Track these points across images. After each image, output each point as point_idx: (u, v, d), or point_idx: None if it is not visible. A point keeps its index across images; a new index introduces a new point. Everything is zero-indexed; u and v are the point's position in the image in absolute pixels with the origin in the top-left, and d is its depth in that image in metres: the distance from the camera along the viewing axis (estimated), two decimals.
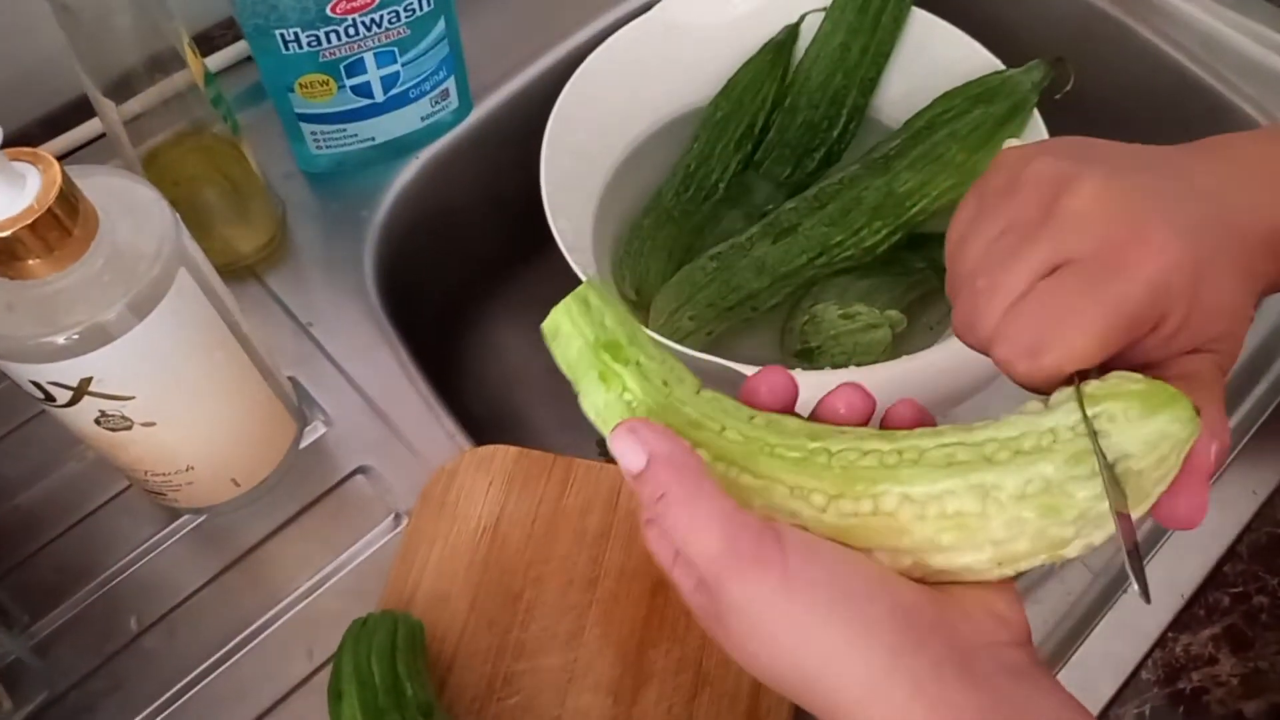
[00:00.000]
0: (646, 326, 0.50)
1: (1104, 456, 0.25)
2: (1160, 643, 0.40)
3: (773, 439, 0.28)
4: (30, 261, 0.31)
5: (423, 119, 0.54)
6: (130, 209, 0.34)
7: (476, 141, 0.58)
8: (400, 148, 0.55)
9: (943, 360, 0.45)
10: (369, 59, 0.49)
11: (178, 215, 0.35)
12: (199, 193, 0.50)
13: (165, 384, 0.36)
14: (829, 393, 0.30)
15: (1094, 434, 0.25)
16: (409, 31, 0.49)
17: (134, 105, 0.45)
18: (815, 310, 0.54)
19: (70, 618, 0.42)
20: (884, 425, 0.30)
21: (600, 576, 0.42)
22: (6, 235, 0.30)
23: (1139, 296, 0.26)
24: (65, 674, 0.40)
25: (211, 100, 0.46)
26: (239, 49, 0.58)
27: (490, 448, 0.46)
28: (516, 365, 0.65)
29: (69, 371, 0.33)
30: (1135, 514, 0.26)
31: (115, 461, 0.39)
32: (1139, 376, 0.26)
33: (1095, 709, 0.39)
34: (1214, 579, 0.41)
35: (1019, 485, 0.25)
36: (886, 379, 0.45)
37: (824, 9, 0.59)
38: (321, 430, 0.47)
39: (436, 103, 0.54)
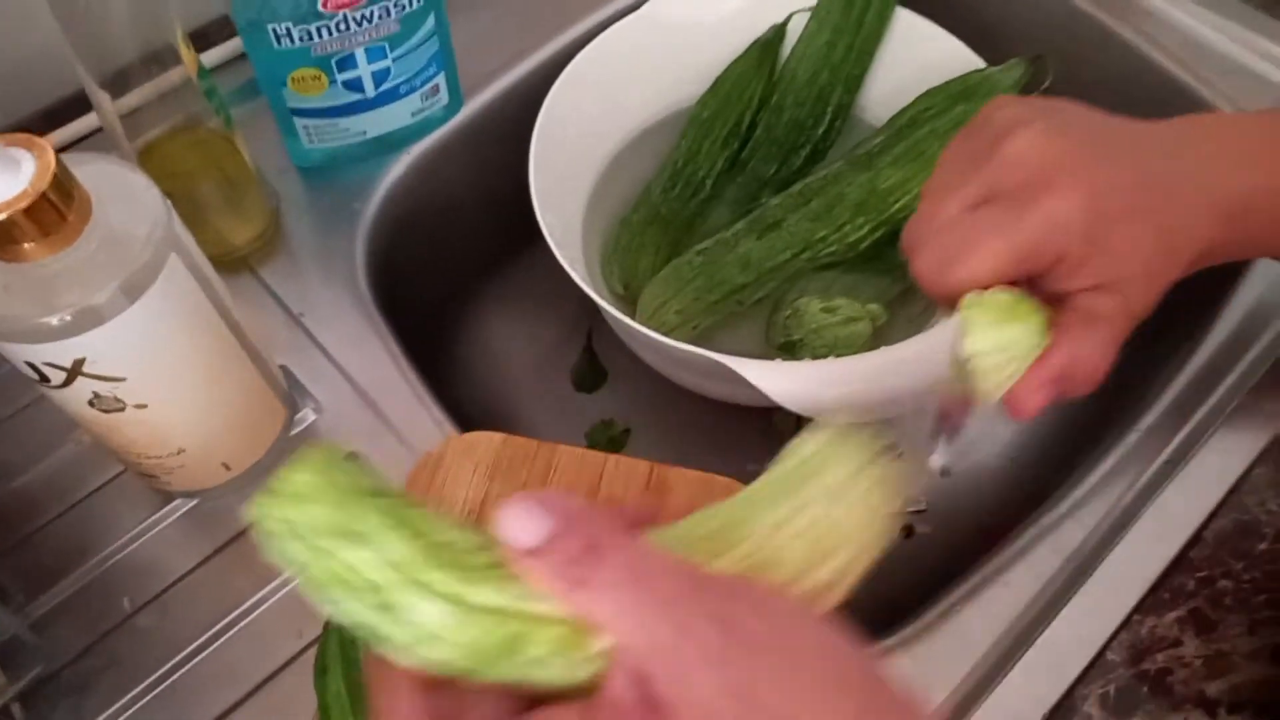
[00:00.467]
0: (634, 320, 0.51)
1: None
2: (1126, 624, 0.41)
3: None
4: (25, 244, 0.32)
5: (413, 114, 0.56)
6: (123, 195, 0.35)
7: (467, 137, 0.59)
8: (391, 142, 0.56)
9: (921, 351, 0.46)
10: (360, 54, 0.50)
11: (169, 202, 0.36)
12: (194, 186, 0.51)
13: (157, 366, 0.37)
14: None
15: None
16: (399, 27, 0.50)
17: (130, 99, 0.46)
18: (798, 304, 0.55)
19: (65, 597, 0.43)
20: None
21: None
22: (2, 218, 0.31)
23: (1034, 230, 0.30)
24: (60, 652, 0.41)
25: (205, 94, 0.47)
26: (234, 45, 0.59)
27: (475, 434, 0.46)
28: (504, 356, 0.66)
29: (63, 352, 0.34)
30: (982, 402, 0.30)
31: (109, 444, 0.40)
32: (1013, 292, 0.30)
33: (1061, 687, 0.40)
34: (1180, 563, 0.42)
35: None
36: (865, 370, 0.46)
37: (810, 8, 0.60)
38: (312, 418, 0.48)
39: (427, 98, 0.55)
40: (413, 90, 0.54)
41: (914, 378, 0.46)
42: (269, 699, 0.41)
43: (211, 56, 0.58)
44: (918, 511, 0.59)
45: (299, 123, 0.53)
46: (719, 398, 0.58)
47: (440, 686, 0.24)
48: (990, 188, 0.31)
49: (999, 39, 0.58)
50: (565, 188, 0.57)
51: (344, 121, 0.53)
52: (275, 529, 0.24)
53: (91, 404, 0.37)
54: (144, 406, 0.38)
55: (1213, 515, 0.43)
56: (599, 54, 0.57)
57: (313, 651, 0.41)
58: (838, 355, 0.53)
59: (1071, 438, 0.59)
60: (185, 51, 0.45)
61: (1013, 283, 0.31)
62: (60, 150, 0.32)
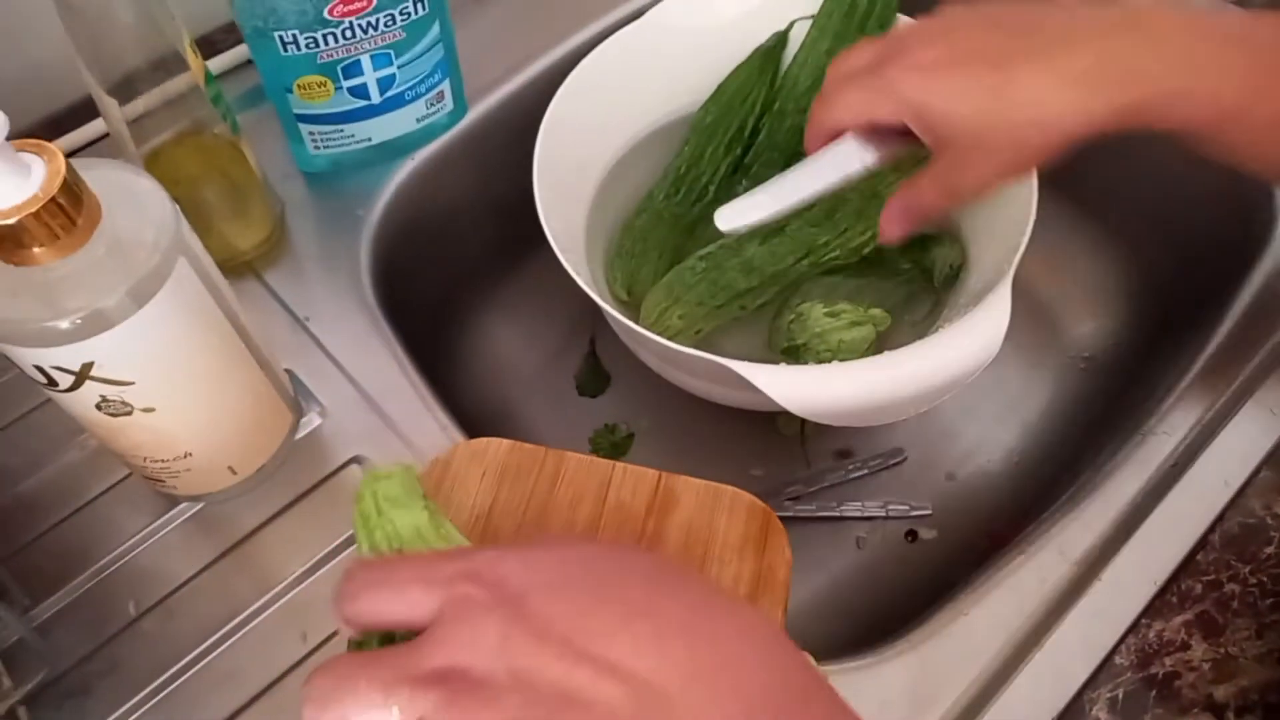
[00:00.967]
0: (637, 324, 0.51)
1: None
2: (1134, 628, 0.41)
3: None
4: (35, 249, 0.32)
5: (418, 120, 0.56)
6: (131, 200, 0.35)
7: (471, 143, 0.60)
8: (396, 149, 0.57)
9: (924, 356, 0.46)
10: (366, 61, 0.50)
11: (177, 207, 0.36)
12: (199, 191, 0.51)
13: (164, 370, 0.37)
14: None
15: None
16: (405, 34, 0.50)
17: (137, 105, 0.46)
18: (801, 308, 0.55)
19: (70, 601, 0.43)
20: None
21: None
22: (12, 223, 0.31)
23: (893, 90, 0.39)
24: (64, 655, 0.41)
25: (212, 100, 0.47)
26: (240, 52, 0.59)
27: (484, 440, 0.46)
28: (508, 361, 0.67)
29: (71, 356, 0.34)
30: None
31: (115, 447, 0.41)
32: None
33: (1069, 692, 0.40)
34: (1187, 567, 0.42)
35: None
36: (868, 375, 0.46)
37: (812, 16, 0.61)
38: (317, 421, 0.48)
39: (432, 105, 0.55)
40: (418, 97, 0.54)
41: (917, 383, 0.46)
42: (274, 703, 0.41)
43: (217, 63, 0.59)
44: (922, 515, 0.59)
45: (304, 129, 0.53)
46: (723, 402, 0.58)
47: None
48: (888, 49, 0.40)
49: None
50: (569, 193, 0.57)
51: (349, 128, 0.54)
52: (363, 491, 0.35)
53: (99, 408, 0.37)
54: (152, 410, 0.38)
55: (1219, 519, 0.43)
56: (602, 60, 0.57)
57: (318, 656, 0.42)
58: (841, 360, 0.53)
59: (1076, 441, 0.59)
60: (192, 58, 0.45)
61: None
62: (67, 156, 0.33)
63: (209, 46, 0.59)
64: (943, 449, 0.62)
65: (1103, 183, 0.66)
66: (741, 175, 0.61)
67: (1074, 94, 0.36)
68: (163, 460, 0.41)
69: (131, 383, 0.36)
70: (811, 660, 0.30)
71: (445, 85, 0.55)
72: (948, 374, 0.48)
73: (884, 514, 0.59)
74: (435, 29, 0.51)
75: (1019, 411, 0.63)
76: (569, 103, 0.56)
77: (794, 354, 0.55)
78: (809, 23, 0.61)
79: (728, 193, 0.61)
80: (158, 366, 0.37)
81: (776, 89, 0.62)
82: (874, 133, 0.43)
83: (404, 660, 0.25)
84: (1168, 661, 0.40)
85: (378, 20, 0.49)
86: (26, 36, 0.54)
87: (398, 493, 0.35)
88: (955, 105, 0.38)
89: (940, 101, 0.38)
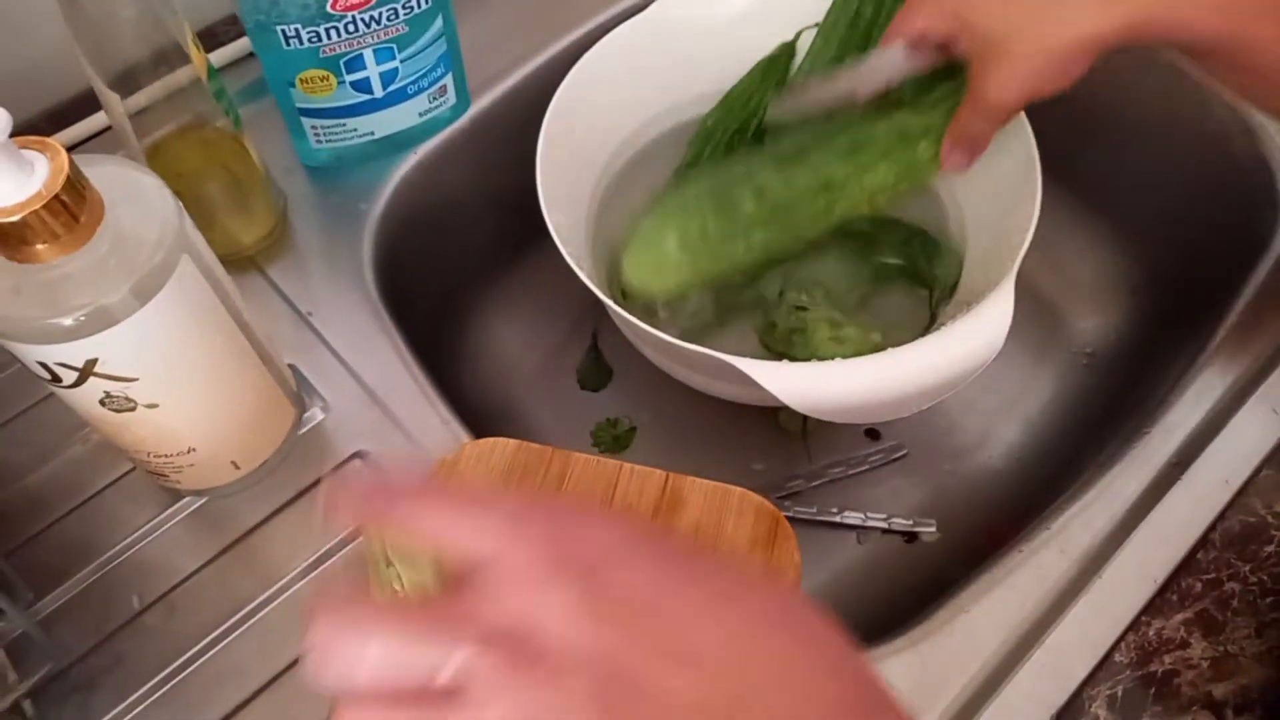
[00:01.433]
0: (630, 308, 0.50)
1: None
2: (1133, 626, 0.41)
3: None
4: (38, 246, 0.32)
5: (421, 114, 0.56)
6: (134, 197, 0.35)
7: (474, 137, 0.59)
8: (399, 143, 0.56)
9: (927, 354, 0.46)
10: (368, 55, 0.50)
11: (180, 204, 0.36)
12: (201, 185, 0.51)
13: (168, 366, 0.37)
14: None
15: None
16: (407, 28, 0.50)
17: (139, 99, 0.46)
18: (806, 317, 0.55)
19: (74, 596, 0.43)
20: None
21: None
22: (15, 220, 0.31)
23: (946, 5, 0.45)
24: (69, 649, 0.42)
25: (214, 94, 0.47)
26: (242, 45, 0.59)
27: (490, 440, 0.46)
28: (510, 355, 0.67)
29: (75, 353, 0.34)
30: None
31: (119, 443, 0.41)
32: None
33: (1069, 689, 0.40)
34: (1187, 565, 0.42)
35: None
36: (871, 372, 0.46)
37: (818, 24, 0.60)
38: (320, 416, 0.48)
39: (434, 99, 0.55)
40: (420, 91, 0.54)
41: (919, 380, 0.46)
42: (277, 697, 0.41)
43: (219, 56, 0.59)
44: (927, 530, 0.59)
45: (307, 123, 0.53)
46: (724, 397, 0.58)
47: None
48: None
49: None
50: (572, 187, 0.57)
51: (352, 122, 0.54)
52: (370, 534, 0.33)
53: (103, 404, 0.37)
54: (155, 406, 0.38)
55: (1220, 517, 0.44)
56: (605, 55, 0.57)
57: None
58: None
59: (1078, 438, 0.59)
60: (194, 51, 0.45)
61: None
62: (68, 150, 0.33)
63: (210, 39, 0.59)
64: (944, 445, 0.62)
65: (1106, 179, 0.66)
66: None
67: (1094, 7, 0.41)
68: (166, 455, 0.41)
69: (135, 379, 0.36)
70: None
71: (448, 79, 0.55)
72: (950, 371, 0.48)
73: (885, 525, 0.59)
74: (438, 23, 0.51)
75: (1021, 407, 0.63)
76: (572, 97, 0.55)
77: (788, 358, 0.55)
78: (814, 31, 0.60)
79: None
80: (161, 363, 0.37)
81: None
82: (921, 43, 0.48)
83: (447, 610, 0.22)
84: (1167, 659, 0.40)
85: (380, 14, 0.49)
86: (28, 29, 0.54)
87: (405, 541, 0.34)
88: (992, 18, 0.44)
89: (981, 15, 0.44)
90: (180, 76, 0.46)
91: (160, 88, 0.46)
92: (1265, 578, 0.42)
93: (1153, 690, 0.40)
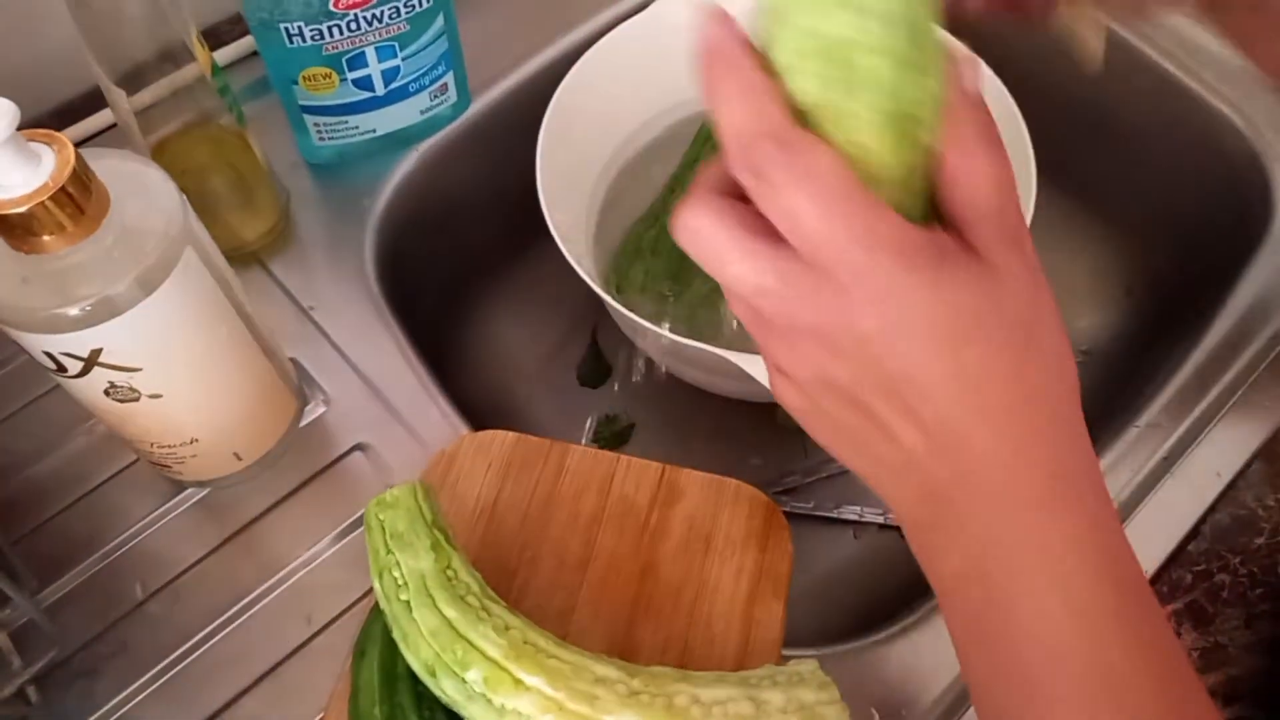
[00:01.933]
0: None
1: None
2: None
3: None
4: (45, 237, 0.33)
5: (422, 112, 0.56)
6: (140, 190, 0.36)
7: (475, 135, 0.60)
8: (400, 140, 0.57)
9: None
10: (370, 53, 0.51)
11: (185, 197, 0.37)
12: (206, 181, 0.51)
13: (171, 357, 0.38)
14: None
15: None
16: (409, 27, 0.51)
17: (144, 96, 0.47)
18: None
19: (78, 584, 0.44)
20: None
21: (592, 559, 0.43)
22: (23, 211, 0.32)
23: None
24: (73, 636, 0.42)
25: (219, 91, 0.47)
26: (246, 44, 0.60)
27: (489, 433, 0.47)
28: (511, 352, 0.67)
29: (80, 343, 0.35)
30: None
31: (123, 433, 0.41)
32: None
33: None
34: (1177, 557, 0.43)
35: (783, 702, 0.34)
36: None
37: None
38: (321, 409, 0.49)
39: (435, 96, 0.56)
40: (422, 89, 0.55)
41: None
42: (278, 685, 0.41)
43: (223, 54, 0.59)
44: None
45: (310, 120, 0.54)
46: (722, 393, 0.59)
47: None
48: None
49: (1000, 42, 0.59)
50: (573, 185, 0.58)
51: (354, 119, 0.54)
52: (370, 521, 0.37)
53: (107, 394, 0.38)
54: (159, 396, 0.39)
55: (1210, 510, 0.44)
56: (606, 54, 0.57)
57: (323, 638, 0.42)
58: None
59: None
60: (199, 49, 0.46)
61: None
62: (75, 145, 0.33)
63: (214, 37, 0.60)
64: None
65: (1100, 179, 0.67)
66: None
67: None
68: (169, 446, 0.42)
69: (139, 369, 0.37)
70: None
71: (449, 77, 0.56)
72: None
73: (882, 520, 0.59)
74: (439, 21, 0.52)
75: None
76: (573, 94, 0.56)
77: None
78: None
79: None
80: (165, 353, 0.37)
81: None
82: None
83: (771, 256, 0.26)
84: None
85: (382, 12, 0.49)
86: (36, 27, 0.54)
87: (403, 528, 0.36)
88: None
89: None
90: (186, 74, 0.47)
91: (166, 85, 0.47)
92: (1255, 569, 0.43)
93: None
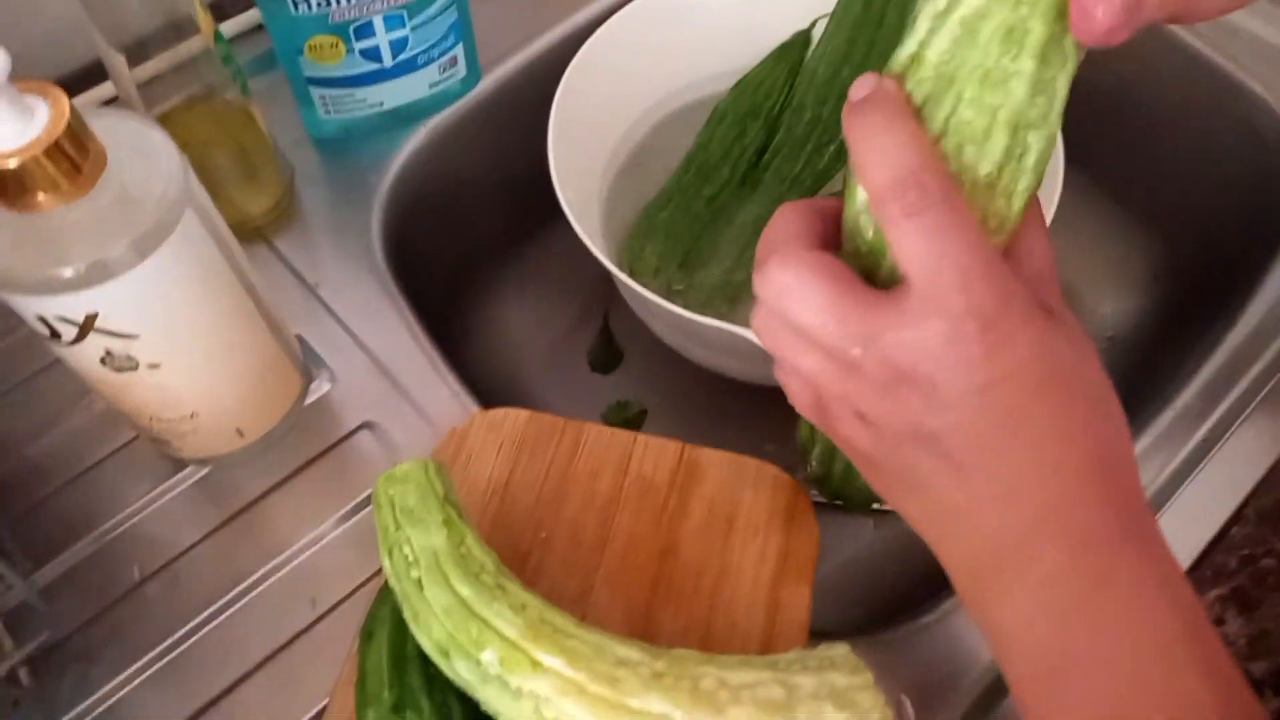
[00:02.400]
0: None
1: None
2: None
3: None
4: (38, 194, 0.31)
5: (431, 86, 0.55)
6: (139, 151, 0.35)
7: (485, 111, 0.59)
8: (408, 115, 0.56)
9: None
10: (378, 22, 0.49)
11: (187, 160, 0.35)
12: (209, 155, 0.50)
13: (170, 324, 0.36)
14: None
15: None
16: None
17: (147, 69, 0.46)
18: None
19: (74, 565, 0.42)
20: None
21: (609, 539, 0.42)
22: (14, 165, 0.30)
23: None
24: (67, 619, 0.41)
25: (222, 60, 0.46)
26: (251, 17, 0.58)
27: (502, 410, 0.45)
28: (520, 335, 0.66)
29: (74, 306, 0.33)
30: None
31: (121, 406, 0.40)
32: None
33: None
34: (1221, 542, 0.41)
35: (814, 687, 0.32)
36: None
37: (829, 12, 0.59)
38: (327, 387, 0.47)
39: (445, 70, 0.54)
40: (430, 61, 0.53)
41: None
42: (280, 671, 0.40)
43: (228, 27, 0.58)
44: None
45: (316, 92, 0.52)
46: (736, 376, 0.57)
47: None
48: None
49: None
50: (585, 164, 0.56)
51: (361, 92, 0.53)
52: (379, 497, 0.36)
53: (104, 362, 0.36)
54: (157, 366, 0.37)
55: (1253, 493, 0.42)
56: (618, 31, 0.56)
57: (327, 621, 0.41)
58: None
59: None
60: (203, 17, 0.45)
61: None
62: None
63: (220, 11, 0.58)
64: None
65: (1127, 164, 0.65)
66: (762, 171, 0.60)
67: None
68: (168, 420, 0.40)
69: (136, 336, 0.35)
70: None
71: (458, 50, 0.54)
72: None
73: None
74: None
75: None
76: (584, 73, 0.54)
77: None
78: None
79: (751, 184, 0.60)
80: (163, 321, 0.36)
81: (796, 82, 0.60)
82: None
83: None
84: None
85: None
86: None
87: (414, 503, 0.35)
88: None
89: None
90: (190, 46, 0.45)
91: (169, 57, 0.46)
92: None
93: None
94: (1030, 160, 0.27)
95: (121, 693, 0.39)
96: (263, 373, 0.42)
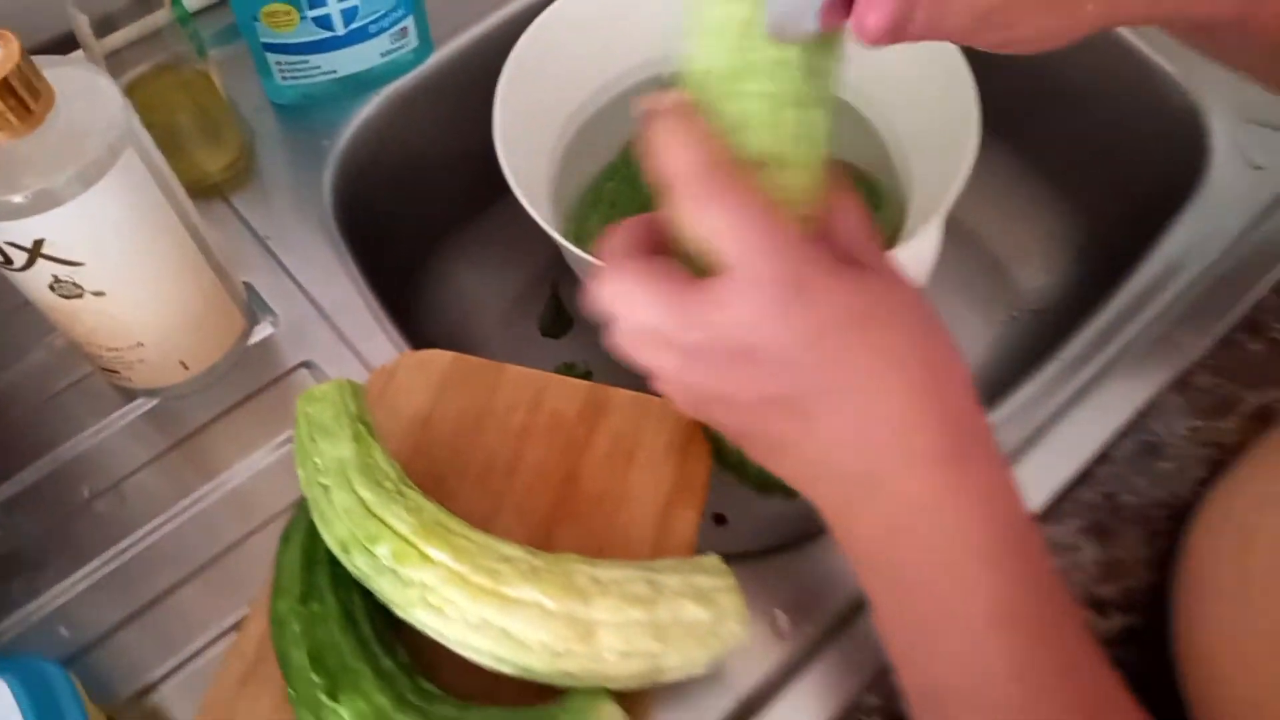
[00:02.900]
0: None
1: None
2: None
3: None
4: None
5: (382, 55, 0.58)
6: (86, 93, 0.38)
7: (438, 83, 0.62)
8: (361, 83, 0.59)
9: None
10: None
11: (130, 102, 0.39)
12: (173, 118, 0.54)
13: (113, 254, 0.40)
14: None
15: None
16: None
17: (116, 38, 0.49)
18: None
19: (28, 485, 0.46)
20: None
21: (518, 468, 0.45)
22: None
23: None
24: (20, 532, 0.44)
25: (178, 19, 0.50)
26: None
27: (428, 351, 0.49)
28: (475, 298, 0.69)
29: (23, 232, 0.37)
30: None
31: (72, 334, 0.43)
32: None
33: None
34: (1085, 478, 0.44)
35: (679, 585, 0.36)
36: None
37: None
38: (270, 330, 0.50)
39: (396, 40, 0.58)
40: (381, 30, 0.57)
41: None
42: (214, 577, 0.43)
43: (195, 1, 0.61)
44: None
45: (272, 59, 0.56)
46: None
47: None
48: None
49: None
50: (533, 138, 0.58)
51: (314, 59, 0.56)
52: (298, 415, 0.39)
53: (52, 289, 0.40)
54: (102, 294, 0.41)
55: (1121, 435, 0.45)
56: (570, 8, 0.58)
57: (259, 535, 0.44)
58: None
59: (998, 374, 0.60)
60: None
61: None
62: None
63: None
64: None
65: (1051, 140, 0.68)
66: None
67: None
68: (116, 349, 0.44)
69: (81, 263, 0.39)
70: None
71: (409, 22, 0.58)
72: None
73: None
74: None
75: (969, 359, 0.65)
76: (534, 48, 0.56)
77: None
78: None
79: None
80: (106, 249, 0.39)
81: None
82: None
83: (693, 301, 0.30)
84: (1058, 562, 0.42)
85: None
86: None
87: (328, 419, 0.38)
88: None
89: None
90: (157, 19, 0.49)
91: (138, 29, 0.49)
92: (1162, 493, 0.44)
93: None
94: (816, 134, 0.30)
95: (67, 596, 0.43)
96: (206, 309, 0.46)
